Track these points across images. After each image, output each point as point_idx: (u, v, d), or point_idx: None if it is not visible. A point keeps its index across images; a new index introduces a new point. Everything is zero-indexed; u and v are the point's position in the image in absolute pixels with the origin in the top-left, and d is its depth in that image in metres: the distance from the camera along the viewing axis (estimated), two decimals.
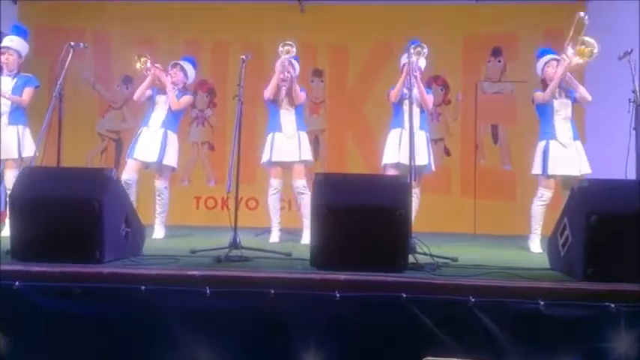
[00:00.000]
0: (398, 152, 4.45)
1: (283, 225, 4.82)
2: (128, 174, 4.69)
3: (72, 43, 3.97)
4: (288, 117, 4.71)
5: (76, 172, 3.48)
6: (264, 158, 4.70)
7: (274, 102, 4.72)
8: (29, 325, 2.64)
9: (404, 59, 4.40)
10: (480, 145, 6.62)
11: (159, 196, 4.84)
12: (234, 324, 2.62)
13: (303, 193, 4.69)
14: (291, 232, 4.84)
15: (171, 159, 4.80)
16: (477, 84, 6.65)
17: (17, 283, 2.65)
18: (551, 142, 4.32)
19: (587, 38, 4.08)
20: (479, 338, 2.58)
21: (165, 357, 2.61)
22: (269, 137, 4.71)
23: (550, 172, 4.29)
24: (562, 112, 4.36)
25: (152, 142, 4.73)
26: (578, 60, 4.14)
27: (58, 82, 3.85)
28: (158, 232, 4.80)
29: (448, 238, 4.87)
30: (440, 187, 6.09)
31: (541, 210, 4.36)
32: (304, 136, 4.77)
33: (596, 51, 4.05)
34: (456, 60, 6.53)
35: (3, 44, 4.74)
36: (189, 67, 5.00)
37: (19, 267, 2.81)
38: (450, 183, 6.52)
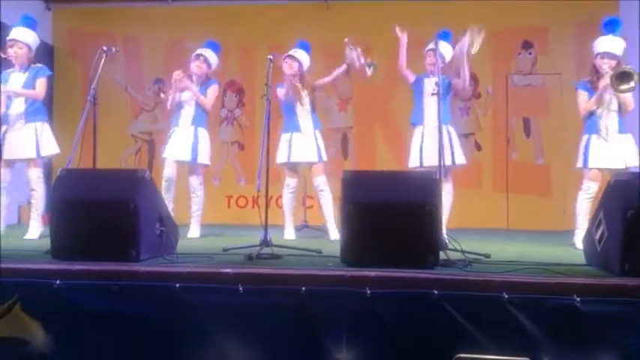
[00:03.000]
0: (419, 154, 4.42)
1: (312, 222, 4.84)
2: (167, 172, 4.73)
3: (104, 48, 4.03)
4: (304, 117, 4.71)
5: (111, 174, 3.57)
6: (282, 159, 4.69)
7: (289, 102, 4.71)
8: (69, 322, 2.71)
9: (430, 46, 4.36)
10: (512, 139, 6.53)
11: (193, 193, 4.86)
12: (266, 321, 2.64)
13: (323, 190, 4.70)
14: (320, 230, 4.86)
15: (204, 157, 4.80)
16: (508, 77, 6.55)
17: (58, 281, 2.71)
18: (594, 136, 4.19)
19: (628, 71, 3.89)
20: (513, 335, 2.55)
21: (199, 353, 2.65)
22: (286, 137, 4.71)
23: (591, 165, 4.19)
24: (607, 105, 4.22)
25: (184, 141, 4.74)
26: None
27: (92, 87, 3.92)
28: (194, 232, 4.81)
29: (480, 234, 4.82)
30: (471, 182, 6.03)
31: (587, 204, 4.22)
32: (320, 135, 4.78)
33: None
34: (486, 53, 6.43)
35: (10, 36, 4.45)
36: (211, 55, 4.91)
37: (59, 266, 2.89)
38: (482, 178, 6.45)
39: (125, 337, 2.69)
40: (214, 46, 4.96)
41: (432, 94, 4.21)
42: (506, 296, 2.56)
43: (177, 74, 4.71)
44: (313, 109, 4.78)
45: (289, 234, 4.74)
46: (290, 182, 4.79)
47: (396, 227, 2.94)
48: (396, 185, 3.15)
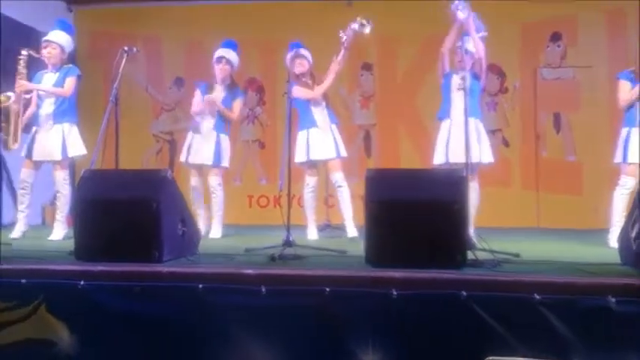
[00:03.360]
0: (445, 151, 4.33)
1: (335, 221, 4.81)
2: (194, 181, 4.86)
3: (125, 48, 4.03)
4: (320, 111, 4.68)
5: (133, 174, 3.58)
6: (301, 158, 4.64)
7: (303, 99, 4.66)
8: (93, 323, 2.72)
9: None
10: (542, 134, 6.38)
11: (213, 193, 4.88)
12: (289, 322, 2.61)
13: (342, 186, 4.66)
14: (343, 229, 4.81)
15: (225, 160, 4.89)
16: (536, 71, 6.41)
17: (82, 282, 2.73)
18: (634, 129, 4.07)
19: None
20: (544, 337, 2.48)
21: (222, 354, 2.64)
22: (303, 135, 4.66)
23: (630, 159, 4.06)
24: None
25: (206, 146, 4.80)
26: None
27: (114, 87, 3.93)
28: (215, 232, 4.83)
29: (509, 233, 4.71)
30: (499, 180, 5.91)
31: (624, 200, 4.07)
32: (336, 130, 4.74)
33: None
34: (513, 47, 6.31)
35: (46, 37, 4.56)
36: (232, 55, 4.92)
37: (82, 267, 2.91)
38: (510, 175, 6.32)
39: (148, 338, 2.69)
40: (233, 45, 4.97)
41: (459, 89, 4.12)
42: (537, 297, 2.49)
43: (209, 99, 4.77)
44: (327, 104, 4.75)
45: (312, 234, 4.71)
46: (310, 181, 4.75)
47: (422, 227, 2.89)
48: (421, 183, 3.10)
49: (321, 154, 4.64)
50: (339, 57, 4.62)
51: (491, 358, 2.44)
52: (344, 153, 4.75)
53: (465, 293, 2.52)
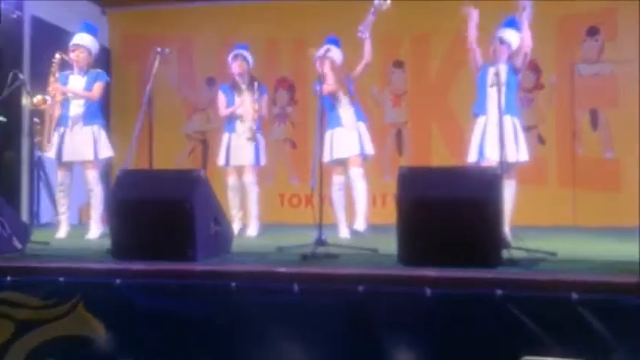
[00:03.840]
0: (480, 149, 4.25)
1: (370, 221, 4.79)
2: (231, 180, 4.93)
3: (158, 49, 4.09)
4: (346, 110, 4.65)
5: (167, 174, 3.63)
6: (326, 157, 4.59)
7: (331, 97, 4.65)
8: (129, 320, 2.75)
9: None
10: (578, 131, 6.24)
11: (249, 191, 4.95)
12: (322, 320, 2.60)
13: (357, 182, 4.63)
14: (377, 228, 4.79)
15: (263, 158, 5.00)
16: (573, 66, 6.26)
17: (118, 281, 2.76)
18: None
19: None
20: (582, 337, 2.41)
21: (254, 352, 2.64)
22: (328, 134, 4.64)
23: None
24: None
25: (244, 147, 4.87)
26: None
27: (147, 88, 4.00)
28: (252, 230, 4.91)
29: (545, 232, 4.63)
30: (535, 178, 5.80)
31: None
32: (363, 128, 4.69)
33: None
34: (549, 42, 6.17)
35: (73, 41, 4.64)
36: (247, 54, 5.07)
37: (119, 265, 2.95)
38: (546, 173, 6.20)
39: (182, 335, 2.71)
40: (245, 47, 5.13)
41: (491, 86, 4.04)
42: (576, 296, 2.42)
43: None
44: (354, 102, 4.72)
45: (343, 232, 4.70)
46: (337, 180, 4.73)
47: (456, 225, 2.84)
48: (454, 181, 3.05)
49: (344, 152, 4.62)
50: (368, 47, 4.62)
51: (527, 357, 2.40)
52: (370, 151, 4.71)
53: (500, 292, 2.47)
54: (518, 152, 4.23)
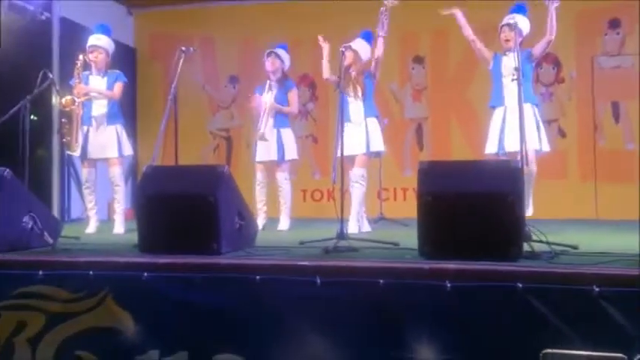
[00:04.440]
0: (499, 140, 4.21)
1: (388, 215, 4.80)
2: (258, 175, 4.99)
3: (182, 48, 4.16)
4: (355, 105, 4.57)
5: (192, 169, 3.68)
6: (339, 152, 4.60)
7: (343, 92, 4.63)
8: (156, 312, 2.81)
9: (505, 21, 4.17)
10: (599, 124, 6.16)
11: (280, 187, 5.02)
12: (344, 313, 2.63)
13: (358, 183, 4.51)
14: (397, 222, 4.81)
15: (291, 153, 5.01)
16: (593, 59, 6.18)
17: (145, 274, 2.82)
18: None
19: None
20: (604, 331, 2.40)
21: (278, 343, 2.68)
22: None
23: None
24: None
25: (271, 143, 4.93)
26: None
27: (172, 86, 4.07)
28: (283, 224, 4.97)
29: (567, 225, 4.59)
30: (556, 171, 5.76)
31: None
32: (373, 124, 4.59)
33: None
34: (569, 35, 6.11)
35: (91, 43, 4.75)
36: (283, 53, 5.09)
37: (146, 259, 3.01)
38: (567, 166, 6.15)
39: (207, 327, 2.76)
40: (285, 47, 5.17)
41: (512, 80, 4.01)
42: (597, 289, 2.41)
43: (266, 104, 4.89)
44: (367, 97, 4.63)
45: (365, 227, 4.71)
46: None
47: (477, 219, 2.84)
48: (475, 175, 3.05)
49: (350, 149, 4.46)
50: (383, 30, 4.60)
51: (547, 351, 2.41)
52: (377, 148, 4.60)
53: (520, 285, 2.48)
54: (541, 141, 4.18)
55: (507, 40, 4.15)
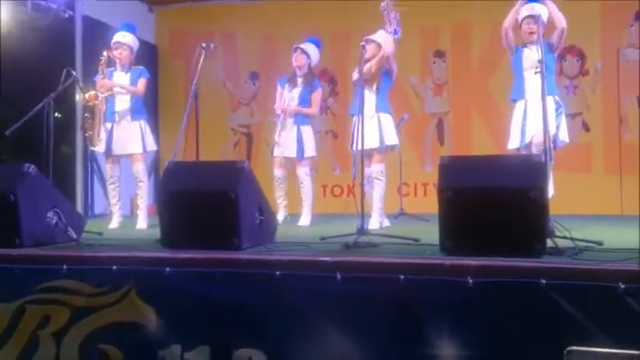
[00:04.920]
0: (521, 134, 4.13)
1: (409, 210, 4.78)
2: (277, 171, 5.03)
3: (203, 45, 4.17)
4: (369, 98, 4.49)
5: (213, 165, 3.71)
6: (352, 146, 4.51)
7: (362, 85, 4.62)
8: (178, 307, 2.83)
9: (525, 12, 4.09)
10: (625, 117, 6.04)
11: (301, 183, 5.04)
12: (364, 308, 2.63)
13: (378, 179, 4.50)
14: (416, 217, 4.79)
15: (310, 150, 5.02)
16: (619, 51, 6.06)
17: (167, 269, 2.84)
18: None
19: None
20: (629, 327, 2.36)
21: (298, 339, 2.69)
22: (353, 120, 4.54)
23: None
24: None
25: (289, 139, 4.95)
26: None
27: (193, 83, 4.10)
28: (304, 219, 4.98)
29: (591, 221, 4.52)
30: (580, 165, 5.68)
31: None
32: (386, 119, 4.55)
33: None
34: (594, 27, 6.01)
35: (116, 39, 4.80)
36: (310, 48, 5.07)
37: (168, 254, 3.02)
38: (591, 160, 6.04)
39: (228, 322, 2.78)
40: (316, 42, 5.13)
41: (536, 73, 3.95)
42: (623, 286, 2.37)
43: (289, 107, 4.92)
44: (380, 92, 4.59)
45: (384, 222, 4.70)
46: (367, 171, 4.68)
47: (499, 214, 2.81)
48: (497, 170, 3.02)
49: (364, 143, 4.50)
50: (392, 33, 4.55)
51: (572, 348, 2.38)
52: (391, 141, 4.56)
53: (544, 282, 2.45)
54: (559, 131, 4.11)
55: (532, 33, 4.04)
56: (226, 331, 2.77)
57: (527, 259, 2.65)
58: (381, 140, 4.51)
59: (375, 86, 4.56)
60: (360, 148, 4.41)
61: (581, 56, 6.16)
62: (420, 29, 5.61)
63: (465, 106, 6.56)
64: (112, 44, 4.81)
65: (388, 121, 4.57)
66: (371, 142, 4.40)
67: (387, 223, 4.67)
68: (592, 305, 2.41)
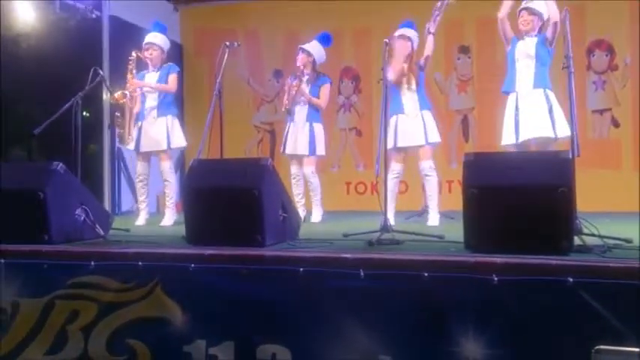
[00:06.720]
0: (515, 129, 4.07)
1: (441, 207, 4.76)
2: (293, 169, 5.08)
3: (227, 43, 4.20)
4: (409, 97, 4.57)
5: (237, 163, 3.72)
6: (389, 144, 4.46)
7: (395, 84, 4.59)
8: (203, 303, 2.86)
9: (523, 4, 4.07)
10: None
11: (308, 181, 5.07)
12: (388, 306, 2.62)
13: (429, 175, 4.58)
14: (441, 214, 4.74)
15: (320, 149, 5.06)
16: None
17: (192, 265, 2.87)
18: None
19: None
20: None
21: (321, 335, 2.69)
22: (392, 121, 4.57)
23: None
24: None
25: (301, 137, 4.97)
26: None
27: (217, 81, 4.13)
28: (316, 216, 5.03)
29: (620, 218, 4.41)
30: (609, 162, 5.56)
31: None
32: (428, 116, 4.61)
33: None
34: (623, 21, 5.87)
35: (147, 40, 4.89)
36: (313, 47, 5.06)
37: (193, 251, 3.06)
38: (621, 157, 5.91)
39: (252, 318, 2.80)
40: (324, 39, 5.08)
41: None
42: None
43: (293, 85, 4.94)
44: (420, 89, 4.64)
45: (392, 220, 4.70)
46: (395, 167, 4.66)
47: (525, 211, 2.77)
48: (523, 166, 2.97)
49: (408, 141, 4.57)
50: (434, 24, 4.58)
51: (600, 347, 2.34)
52: (435, 139, 4.64)
53: (571, 279, 2.41)
54: (555, 127, 4.03)
55: (525, 24, 4.08)
56: (250, 327, 2.79)
57: (554, 256, 2.61)
58: (426, 137, 4.58)
59: (414, 84, 4.60)
60: (393, 145, 4.48)
61: (611, 50, 6.04)
62: (444, 24, 5.52)
63: (490, 102, 6.47)
64: (143, 45, 4.88)
65: (430, 118, 4.65)
66: (416, 139, 4.53)
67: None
68: (620, 304, 2.37)
